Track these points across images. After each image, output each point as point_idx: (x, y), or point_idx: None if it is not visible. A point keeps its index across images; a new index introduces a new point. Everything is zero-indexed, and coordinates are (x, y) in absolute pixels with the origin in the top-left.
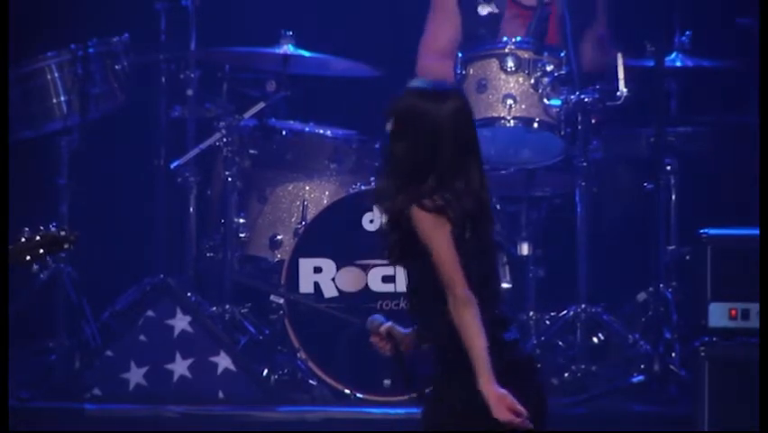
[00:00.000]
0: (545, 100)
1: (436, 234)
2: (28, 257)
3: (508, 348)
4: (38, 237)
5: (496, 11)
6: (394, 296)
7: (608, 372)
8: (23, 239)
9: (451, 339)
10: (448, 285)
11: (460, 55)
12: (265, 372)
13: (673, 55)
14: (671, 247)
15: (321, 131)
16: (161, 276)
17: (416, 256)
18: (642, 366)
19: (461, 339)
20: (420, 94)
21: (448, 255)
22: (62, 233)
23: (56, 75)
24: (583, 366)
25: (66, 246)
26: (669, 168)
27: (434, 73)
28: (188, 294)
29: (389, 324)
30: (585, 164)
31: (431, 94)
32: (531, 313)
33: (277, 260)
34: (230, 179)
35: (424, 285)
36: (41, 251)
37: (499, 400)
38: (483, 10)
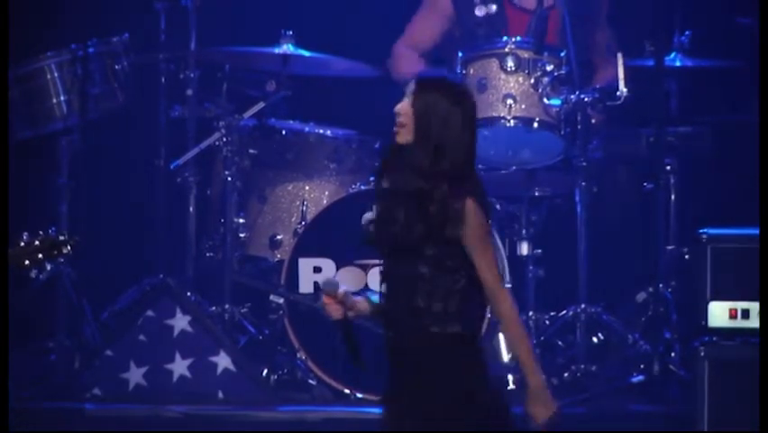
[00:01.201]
0: (545, 100)
1: (487, 231)
2: (27, 261)
3: None
4: (37, 242)
5: (493, 11)
6: None
7: (608, 371)
8: (22, 243)
9: (448, 329)
10: (495, 281)
11: (460, 55)
12: (265, 372)
13: (673, 55)
14: (670, 247)
15: (321, 131)
16: (161, 276)
17: (439, 243)
18: (641, 366)
19: (454, 330)
20: (458, 85)
21: (493, 254)
22: (61, 237)
23: (56, 75)
24: (583, 366)
25: (65, 251)
26: (669, 168)
27: (398, 64)
28: (188, 294)
29: (346, 288)
30: (585, 164)
31: (463, 87)
32: (531, 313)
33: (276, 260)
34: (230, 178)
35: (438, 272)
36: (40, 256)
37: (548, 392)
38: (480, 11)
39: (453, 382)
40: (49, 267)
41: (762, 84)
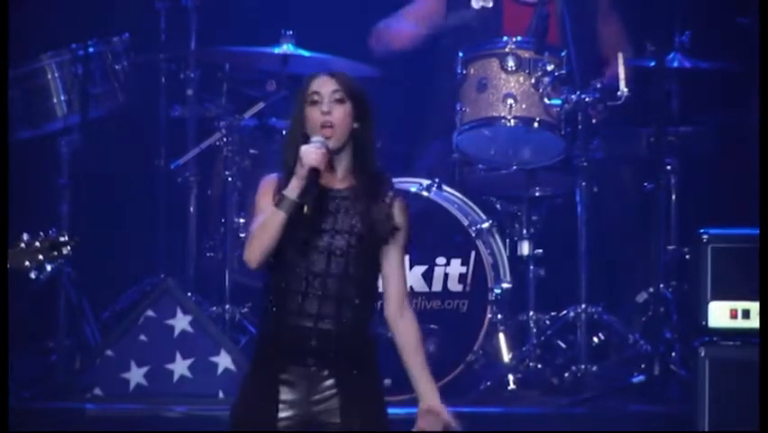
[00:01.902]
0: (546, 100)
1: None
2: (27, 262)
3: None
4: (37, 243)
5: (489, 5)
6: None
7: (609, 372)
8: (23, 244)
9: (369, 332)
10: (405, 280)
11: (460, 55)
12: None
13: (673, 55)
14: (671, 247)
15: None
16: (162, 276)
17: (382, 244)
18: (642, 366)
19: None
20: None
21: None
22: (62, 238)
23: (56, 74)
24: (583, 366)
25: (65, 252)
26: (669, 167)
27: (387, 30)
28: (189, 294)
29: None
30: (585, 164)
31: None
32: (531, 313)
33: None
34: (230, 178)
35: (371, 273)
36: (41, 256)
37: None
38: (476, 4)
39: None
40: (49, 268)
41: (762, 84)
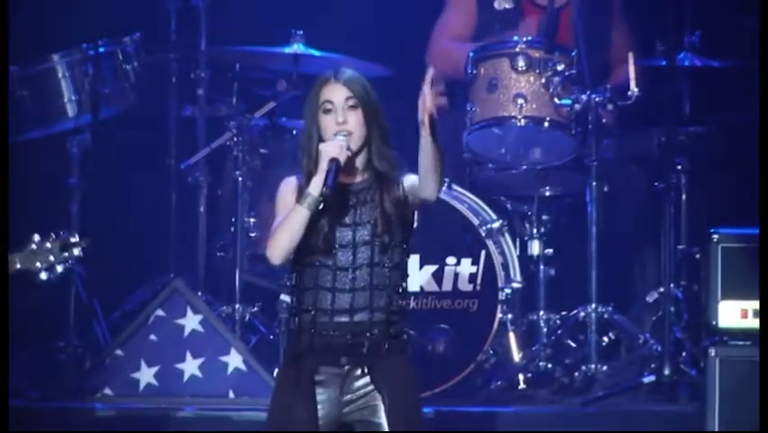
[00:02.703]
0: (556, 99)
1: None
2: (38, 264)
3: None
4: (48, 244)
5: (511, 6)
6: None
7: (619, 371)
8: (33, 246)
9: (402, 324)
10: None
11: (471, 54)
12: (275, 371)
13: (684, 55)
14: (681, 247)
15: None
16: (172, 275)
17: (403, 227)
18: (652, 366)
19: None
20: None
21: None
22: (72, 239)
23: (67, 74)
24: (594, 366)
25: (76, 253)
26: (679, 167)
27: (447, 56)
28: (199, 293)
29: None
30: (596, 163)
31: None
32: (542, 312)
33: None
34: (240, 178)
35: (398, 260)
36: (51, 258)
37: None
38: (499, 5)
39: None
40: (60, 269)
41: (762, 84)
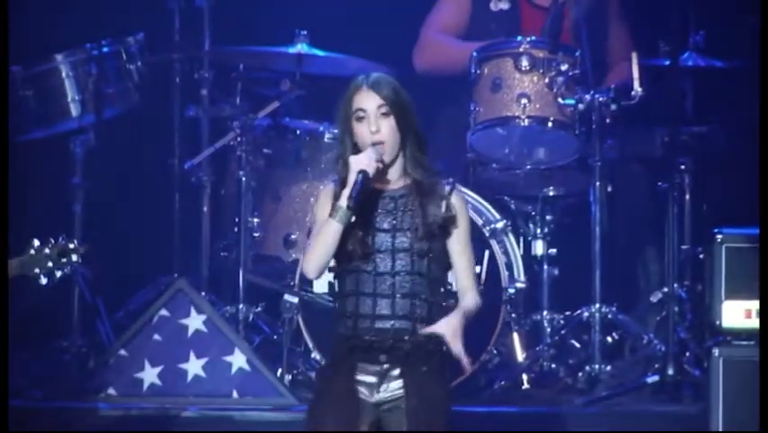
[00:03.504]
0: (560, 99)
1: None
2: (36, 270)
3: None
4: (47, 249)
5: (507, 7)
6: None
7: (622, 371)
8: (32, 251)
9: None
10: (472, 268)
11: (474, 54)
12: (279, 371)
13: (687, 54)
14: (685, 246)
15: (335, 130)
16: (175, 275)
17: (443, 237)
18: (656, 366)
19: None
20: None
21: None
22: (71, 245)
23: (70, 74)
24: (597, 366)
25: (75, 259)
26: (683, 167)
27: (438, 48)
28: (203, 293)
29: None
30: (599, 163)
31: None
32: (545, 312)
33: (291, 259)
34: (244, 178)
35: (438, 267)
36: (50, 264)
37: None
38: (495, 6)
39: None
40: (59, 275)
41: (762, 84)
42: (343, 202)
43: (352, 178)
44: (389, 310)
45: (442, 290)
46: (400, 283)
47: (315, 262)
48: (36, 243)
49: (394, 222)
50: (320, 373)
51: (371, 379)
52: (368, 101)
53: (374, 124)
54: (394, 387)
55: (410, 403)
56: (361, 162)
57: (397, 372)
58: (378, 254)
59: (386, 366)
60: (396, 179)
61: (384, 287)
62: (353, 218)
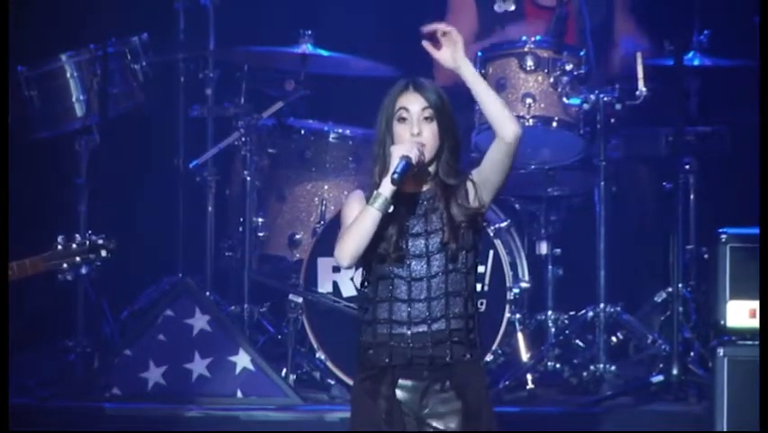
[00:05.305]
0: (564, 99)
1: None
2: (64, 265)
3: None
4: (74, 245)
5: (511, 9)
6: None
7: (627, 371)
8: (59, 246)
9: (477, 332)
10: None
11: (479, 54)
12: (284, 371)
13: (692, 54)
14: (689, 246)
15: (340, 130)
16: (180, 275)
17: (472, 229)
18: (660, 366)
19: None
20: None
21: None
22: (100, 241)
23: (75, 74)
24: (602, 366)
25: (104, 255)
26: (688, 167)
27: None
28: (207, 293)
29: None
30: (604, 163)
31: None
32: (550, 312)
33: (296, 259)
34: (248, 178)
35: (471, 265)
36: (78, 259)
37: None
38: (499, 7)
39: None
40: (84, 270)
41: (762, 84)
42: (385, 191)
43: (394, 163)
44: (426, 314)
45: (474, 287)
46: (437, 285)
47: (350, 248)
48: (61, 238)
49: (425, 225)
50: (359, 386)
51: (413, 395)
52: (413, 102)
53: (416, 126)
54: (439, 398)
55: (465, 410)
56: (404, 149)
57: (438, 386)
58: (412, 258)
59: (427, 379)
60: (425, 182)
61: (419, 291)
62: (391, 208)
